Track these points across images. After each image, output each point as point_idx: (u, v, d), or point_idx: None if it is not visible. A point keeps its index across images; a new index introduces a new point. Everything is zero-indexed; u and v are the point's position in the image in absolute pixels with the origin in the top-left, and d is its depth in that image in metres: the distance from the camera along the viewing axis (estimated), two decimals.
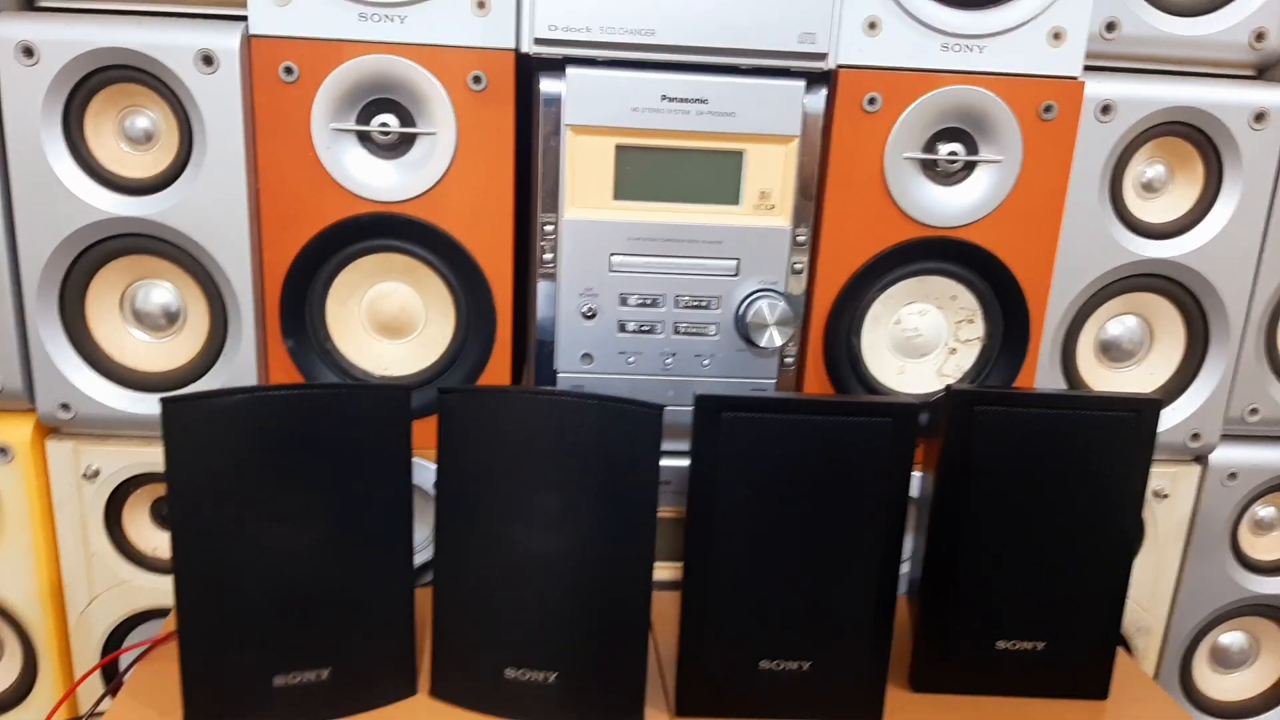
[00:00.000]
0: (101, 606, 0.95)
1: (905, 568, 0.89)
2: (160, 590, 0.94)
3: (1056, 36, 0.84)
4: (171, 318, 0.89)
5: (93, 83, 0.82)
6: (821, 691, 0.78)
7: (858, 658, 0.78)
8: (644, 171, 0.85)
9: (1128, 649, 1.06)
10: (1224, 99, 0.89)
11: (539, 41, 0.80)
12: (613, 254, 0.86)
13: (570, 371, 0.89)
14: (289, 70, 0.81)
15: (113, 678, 0.97)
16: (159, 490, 0.94)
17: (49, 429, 0.91)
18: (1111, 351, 0.98)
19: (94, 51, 0.80)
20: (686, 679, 0.78)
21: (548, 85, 0.82)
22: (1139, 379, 0.98)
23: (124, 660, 0.93)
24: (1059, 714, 0.82)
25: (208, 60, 0.80)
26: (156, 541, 0.95)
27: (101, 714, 0.78)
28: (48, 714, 0.93)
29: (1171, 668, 1.08)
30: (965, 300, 0.92)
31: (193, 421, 0.70)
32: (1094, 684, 0.84)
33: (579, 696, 0.77)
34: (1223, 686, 1.11)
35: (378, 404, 0.74)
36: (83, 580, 0.94)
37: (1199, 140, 0.91)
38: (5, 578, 0.93)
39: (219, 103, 0.81)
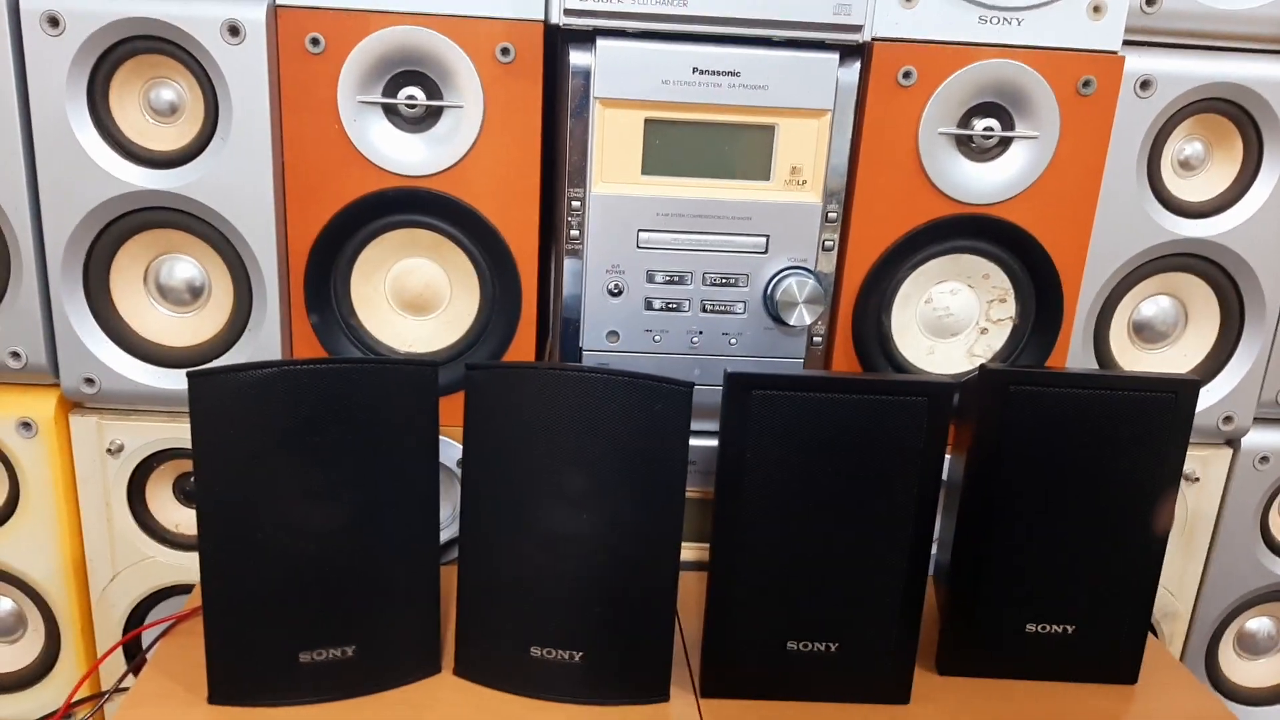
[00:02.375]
0: (124, 582, 0.95)
1: (934, 550, 0.88)
2: (183, 566, 0.94)
3: (1096, 9, 0.82)
4: (196, 292, 0.88)
5: (118, 53, 0.81)
6: (849, 673, 0.78)
7: (886, 640, 0.77)
8: (673, 146, 0.83)
9: (1154, 633, 1.05)
10: (1265, 75, 0.87)
11: (569, 12, 0.79)
12: (640, 230, 0.85)
13: (596, 349, 0.89)
14: (315, 41, 0.80)
15: (135, 654, 0.97)
16: (182, 466, 0.93)
17: (73, 404, 0.91)
18: (1145, 332, 0.96)
19: (120, 21, 0.79)
20: (712, 659, 0.77)
21: (577, 57, 0.81)
22: (1172, 360, 0.97)
23: (146, 637, 0.93)
24: (1087, 698, 0.81)
25: (234, 31, 0.79)
26: (179, 517, 0.95)
27: (126, 689, 0.78)
28: (71, 689, 0.94)
29: (1198, 653, 1.07)
30: (997, 279, 0.91)
31: (219, 395, 0.69)
32: (1124, 668, 0.83)
33: (604, 676, 0.76)
34: (1249, 672, 1.10)
35: (406, 380, 0.73)
36: (106, 556, 0.94)
37: (1239, 117, 0.90)
38: (29, 553, 0.93)
39: (245, 74, 0.80)
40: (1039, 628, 0.81)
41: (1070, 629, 0.81)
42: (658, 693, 0.77)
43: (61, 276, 0.85)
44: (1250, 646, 1.09)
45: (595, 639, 0.76)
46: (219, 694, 0.73)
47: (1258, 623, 1.08)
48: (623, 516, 0.74)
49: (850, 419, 0.73)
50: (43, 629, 0.96)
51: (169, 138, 0.83)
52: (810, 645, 0.77)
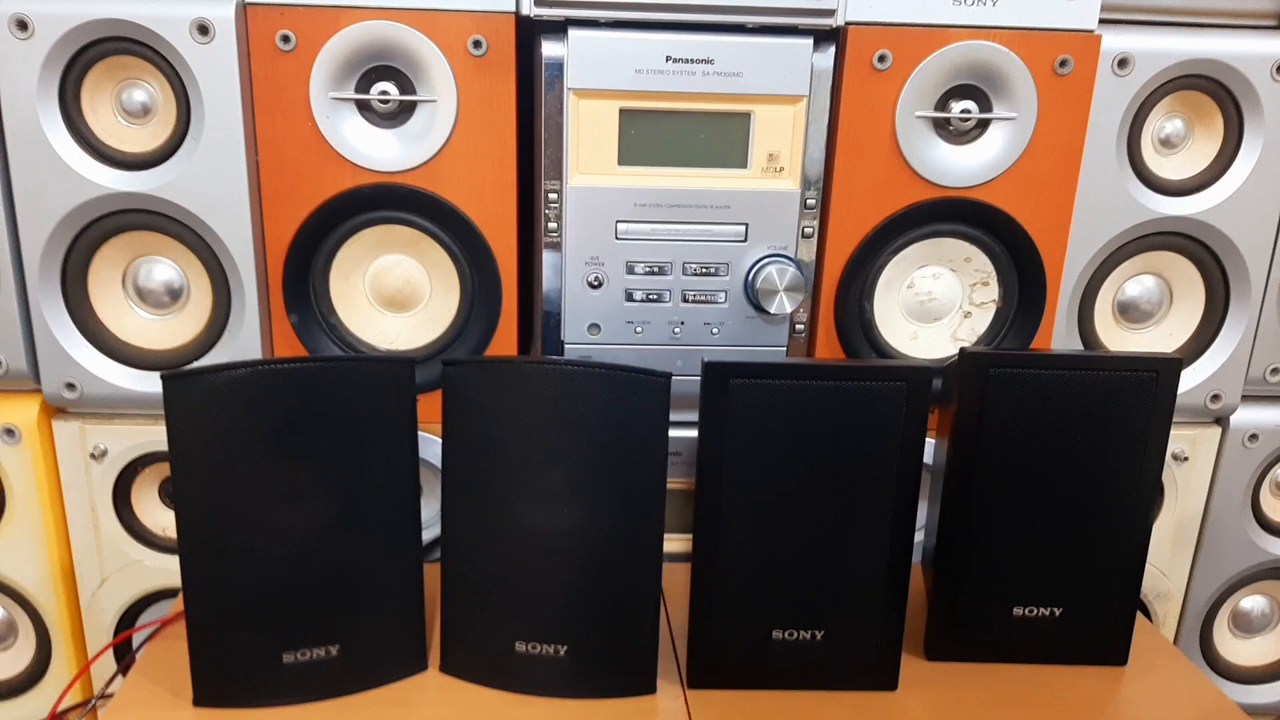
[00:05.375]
0: (113, 587, 0.95)
1: (919, 536, 0.88)
2: (171, 570, 0.94)
3: None
4: (174, 295, 0.88)
5: (89, 56, 0.81)
6: (835, 661, 0.77)
7: (872, 627, 0.77)
8: (649, 136, 0.83)
9: (1147, 614, 1.04)
10: (1244, 50, 0.87)
11: (540, 3, 0.78)
12: (619, 221, 0.85)
13: (577, 342, 0.88)
14: (286, 39, 0.80)
15: (128, 660, 0.96)
16: (167, 469, 0.93)
17: (55, 409, 0.90)
18: (1129, 313, 0.96)
19: (89, 23, 0.79)
20: (698, 651, 0.77)
21: (549, 48, 0.80)
22: (1158, 340, 0.97)
23: (136, 640, 0.93)
24: (1077, 681, 0.80)
25: (203, 30, 0.78)
26: (166, 521, 0.95)
27: (114, 694, 0.77)
28: (60, 693, 0.93)
29: (1191, 633, 1.07)
30: (979, 262, 0.90)
31: (195, 397, 0.69)
32: (1113, 650, 0.82)
33: (590, 669, 0.76)
34: (1244, 651, 1.10)
35: (382, 376, 0.73)
36: (93, 561, 0.94)
37: (1218, 93, 0.89)
38: (16, 560, 0.92)
39: (216, 73, 0.80)
40: (1026, 611, 0.81)
41: (1057, 611, 0.81)
42: (644, 685, 0.76)
43: (39, 281, 0.84)
44: (1245, 625, 1.09)
45: (580, 633, 0.75)
46: (204, 697, 0.73)
47: (1251, 601, 1.08)
48: (604, 509, 0.73)
49: (829, 406, 0.72)
50: (33, 636, 0.96)
51: (142, 139, 0.83)
52: (796, 634, 0.77)
